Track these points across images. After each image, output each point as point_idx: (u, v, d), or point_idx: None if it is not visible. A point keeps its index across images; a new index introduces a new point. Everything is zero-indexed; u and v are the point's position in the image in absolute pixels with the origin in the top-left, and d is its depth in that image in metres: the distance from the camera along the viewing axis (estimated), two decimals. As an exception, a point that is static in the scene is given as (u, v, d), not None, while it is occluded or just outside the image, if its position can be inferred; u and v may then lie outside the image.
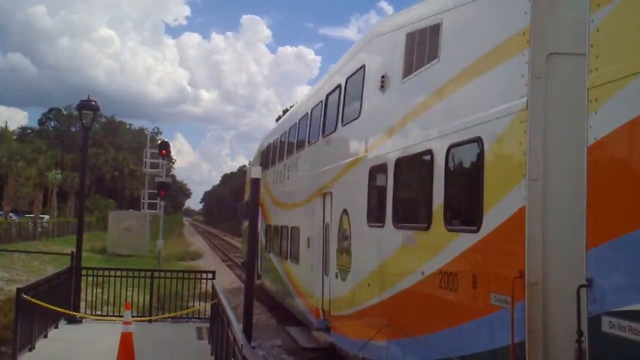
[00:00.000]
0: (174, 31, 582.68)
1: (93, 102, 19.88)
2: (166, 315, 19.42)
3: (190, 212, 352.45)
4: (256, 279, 24.72)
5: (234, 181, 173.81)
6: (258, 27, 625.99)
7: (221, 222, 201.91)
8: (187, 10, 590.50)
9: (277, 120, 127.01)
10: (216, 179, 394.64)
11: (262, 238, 29.11)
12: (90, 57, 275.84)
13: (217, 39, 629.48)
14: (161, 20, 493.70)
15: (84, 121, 19.91)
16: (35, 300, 14.79)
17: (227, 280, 41.16)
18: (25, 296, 14.36)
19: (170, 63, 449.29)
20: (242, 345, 9.27)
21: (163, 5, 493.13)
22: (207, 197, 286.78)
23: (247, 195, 32.87)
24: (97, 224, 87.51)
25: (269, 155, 29.32)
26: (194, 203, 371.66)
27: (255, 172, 16.43)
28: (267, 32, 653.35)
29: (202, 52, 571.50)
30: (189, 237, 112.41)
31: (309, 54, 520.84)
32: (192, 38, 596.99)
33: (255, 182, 16.23)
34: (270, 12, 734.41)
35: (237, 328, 10.58)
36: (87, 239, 60.45)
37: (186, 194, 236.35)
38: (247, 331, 13.83)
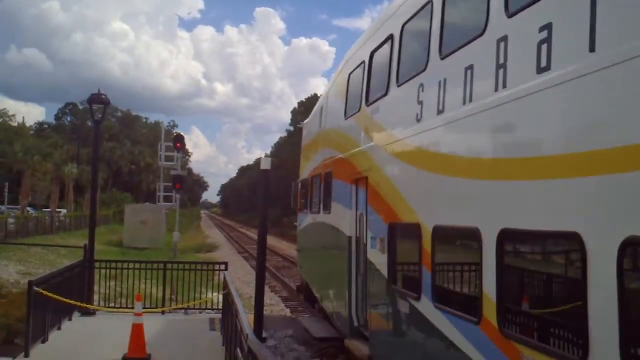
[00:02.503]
0: (188, 24, 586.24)
1: (103, 96, 19.98)
2: (179, 306, 19.53)
3: (207, 205, 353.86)
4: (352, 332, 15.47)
5: (250, 173, 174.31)
6: (271, 19, 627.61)
7: (238, 214, 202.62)
8: (200, 4, 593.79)
9: (296, 112, 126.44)
10: (233, 172, 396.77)
11: (370, 254, 13.83)
12: (104, 51, 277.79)
13: (231, 31, 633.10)
14: (175, 14, 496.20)
15: (98, 115, 20.01)
16: (47, 293, 14.91)
17: (241, 272, 41.33)
18: (37, 289, 14.47)
19: (184, 56, 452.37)
20: (247, 335, 9.31)
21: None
22: (224, 189, 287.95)
23: (306, 169, 22.98)
24: (114, 217, 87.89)
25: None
26: (211, 195, 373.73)
27: (265, 164, 16.26)
28: (280, 24, 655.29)
29: (216, 45, 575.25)
30: (205, 230, 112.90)
31: (323, 45, 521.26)
32: (206, 31, 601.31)
33: (266, 174, 16.07)
34: (283, 4, 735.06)
35: (244, 318, 10.62)
36: (104, 233, 61.05)
37: (203, 186, 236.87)
38: (258, 321, 13.87)
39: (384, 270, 12.31)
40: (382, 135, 12.80)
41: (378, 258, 12.78)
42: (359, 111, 14.63)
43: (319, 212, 19.64)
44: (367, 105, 13.88)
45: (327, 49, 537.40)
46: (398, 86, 11.89)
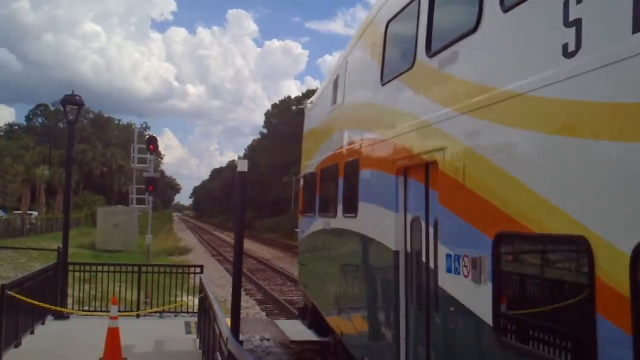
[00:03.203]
0: (160, 26, 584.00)
1: (77, 97, 19.76)
2: (154, 309, 19.36)
3: (179, 207, 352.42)
4: None
5: (222, 175, 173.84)
6: (244, 21, 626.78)
7: (211, 217, 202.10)
8: (173, 5, 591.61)
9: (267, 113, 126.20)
10: (205, 174, 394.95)
11: (445, 281, 8.78)
12: (76, 52, 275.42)
13: (204, 33, 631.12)
14: (147, 15, 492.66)
15: (70, 117, 19.77)
16: (20, 297, 14.69)
17: (215, 275, 41.16)
18: (10, 292, 14.25)
19: (156, 58, 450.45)
20: (227, 338, 9.21)
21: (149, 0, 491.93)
22: (197, 192, 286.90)
23: (311, 160, 18.40)
24: (86, 220, 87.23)
25: None
26: (183, 198, 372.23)
27: (242, 166, 16.06)
28: (253, 27, 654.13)
29: (188, 47, 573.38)
30: (178, 232, 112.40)
31: (296, 47, 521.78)
32: (179, 33, 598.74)
33: (243, 177, 15.90)
34: (256, 6, 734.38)
35: (223, 322, 10.52)
36: (76, 235, 60.45)
37: (175, 189, 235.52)
38: (235, 325, 13.77)
39: (482, 311, 7.56)
40: (474, 93, 7.98)
41: (466, 289, 7.99)
42: (411, 68, 10.27)
43: (334, 216, 14.70)
44: (431, 56, 9.47)
45: (300, 51, 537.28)
46: (505, 11, 7.41)
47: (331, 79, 16.71)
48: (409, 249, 10.27)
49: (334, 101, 15.84)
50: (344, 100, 14.79)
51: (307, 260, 18.81)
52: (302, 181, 20.09)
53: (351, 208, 13.28)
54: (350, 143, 13.84)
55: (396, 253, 10.45)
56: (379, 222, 11.33)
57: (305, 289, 19.09)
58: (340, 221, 14.32)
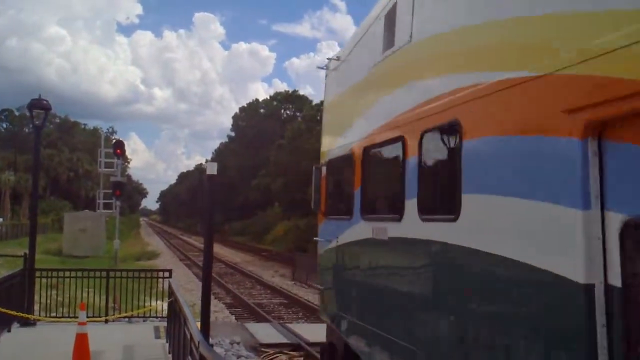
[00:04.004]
0: (126, 30, 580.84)
1: (45, 101, 19.55)
2: (122, 315, 19.21)
3: (146, 212, 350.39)
4: None
5: (190, 179, 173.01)
6: (211, 24, 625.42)
7: (178, 221, 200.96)
8: (139, 9, 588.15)
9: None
10: (172, 178, 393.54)
11: None
12: (40, 56, 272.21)
13: (170, 37, 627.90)
14: (113, 19, 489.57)
15: (35, 121, 19.55)
16: (-14, 304, 14.50)
17: (184, 279, 40.96)
18: (-24, 299, 14.07)
19: (122, 62, 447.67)
20: (199, 342, 9.16)
21: (114, 3, 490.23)
22: (164, 196, 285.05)
23: (342, 137, 13.13)
24: (53, 225, 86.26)
25: None
26: (150, 203, 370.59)
27: (211, 169, 15.92)
28: (220, 30, 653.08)
29: (154, 50, 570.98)
30: (146, 237, 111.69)
31: (263, 50, 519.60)
32: (145, 36, 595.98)
33: (212, 180, 15.80)
34: (222, 10, 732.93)
35: (194, 325, 10.46)
36: (43, 241, 59.69)
37: (142, 193, 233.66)
38: (205, 329, 13.73)
39: None
40: None
41: None
42: None
43: (398, 218, 9.53)
44: None
45: (267, 54, 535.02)
46: None
47: (378, 16, 11.55)
48: (615, 282, 5.32)
49: (389, 44, 10.99)
50: (413, 37, 9.77)
51: (339, 283, 13.09)
52: (324, 170, 14.14)
53: (443, 205, 8.65)
54: (437, 98, 8.57)
55: (587, 290, 5.49)
56: (531, 229, 6.41)
57: (334, 324, 13.20)
58: (412, 227, 9.17)
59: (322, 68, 14.95)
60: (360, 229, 11.51)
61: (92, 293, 21.08)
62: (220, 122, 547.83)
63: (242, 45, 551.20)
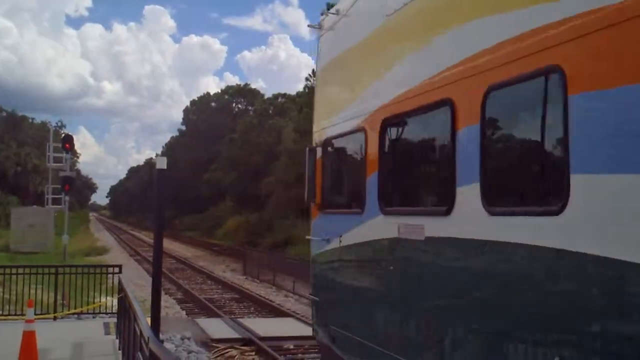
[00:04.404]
0: (75, 22, 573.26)
1: (-11, 95, 19.23)
2: (71, 311, 19.01)
3: (96, 207, 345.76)
4: None
5: (140, 174, 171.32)
6: (162, 17, 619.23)
7: (128, 217, 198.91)
8: (88, 1, 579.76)
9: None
10: (122, 173, 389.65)
11: None
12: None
13: (120, 29, 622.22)
14: (61, 11, 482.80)
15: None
16: None
17: (134, 275, 40.66)
18: None
19: (71, 55, 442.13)
20: (148, 338, 9.12)
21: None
22: (113, 191, 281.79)
23: (351, 107, 10.09)
24: (0, 221, 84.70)
25: None
26: (100, 198, 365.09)
27: (161, 163, 15.77)
28: (171, 22, 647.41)
29: (104, 43, 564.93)
30: (95, 233, 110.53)
31: (214, 43, 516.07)
32: (94, 29, 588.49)
33: (161, 174, 15.66)
34: (173, 2, 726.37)
35: (144, 321, 10.40)
36: (-12, 237, 58.75)
37: (92, 188, 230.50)
38: (155, 324, 13.66)
39: None
40: None
41: None
42: None
43: (446, 213, 7.20)
44: None
45: (218, 47, 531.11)
46: None
47: None
48: None
49: None
50: None
51: (345, 295, 10.24)
52: (319, 152, 11.17)
53: (532, 191, 6.33)
54: (519, 38, 6.06)
55: None
56: None
57: (336, 346, 10.29)
58: (469, 223, 6.71)
59: (313, 27, 12.33)
60: (377, 226, 8.83)
61: (41, 290, 20.81)
62: (171, 116, 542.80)
63: (193, 39, 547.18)
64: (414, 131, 8.60)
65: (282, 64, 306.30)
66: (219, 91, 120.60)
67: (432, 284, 7.50)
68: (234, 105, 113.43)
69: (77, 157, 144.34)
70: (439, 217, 7.24)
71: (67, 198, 47.51)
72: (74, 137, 46.31)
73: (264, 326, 20.75)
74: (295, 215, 55.87)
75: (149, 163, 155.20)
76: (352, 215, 9.79)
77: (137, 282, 36.15)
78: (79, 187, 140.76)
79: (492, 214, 6.23)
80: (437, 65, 7.47)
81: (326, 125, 11.16)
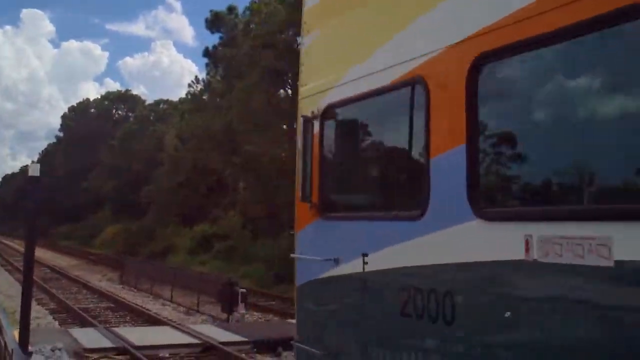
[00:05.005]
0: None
1: None
2: None
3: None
4: None
5: (14, 182, 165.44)
6: (40, 21, 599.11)
7: (1, 225, 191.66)
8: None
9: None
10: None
11: None
12: None
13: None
14: None
15: None
16: None
17: (5, 285, 39.52)
18: None
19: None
20: (12, 350, 8.96)
21: None
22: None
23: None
24: None
25: None
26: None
27: (33, 170, 15.41)
28: (50, 27, 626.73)
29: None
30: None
31: (95, 49, 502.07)
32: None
33: (35, 182, 15.29)
34: (52, 7, 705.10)
35: (9, 333, 10.19)
36: None
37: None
38: (24, 336, 13.34)
39: None
40: None
41: None
42: None
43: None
44: None
45: (99, 52, 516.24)
46: None
47: None
48: None
49: None
50: None
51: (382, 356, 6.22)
52: (317, 126, 7.32)
53: None
54: None
55: None
56: None
57: None
58: None
59: None
60: (463, 240, 5.17)
61: None
62: (48, 123, 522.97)
63: (73, 44, 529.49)
64: (528, 80, 5.07)
65: (165, 70, 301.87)
66: (99, 97, 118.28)
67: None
68: (114, 111, 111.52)
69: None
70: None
71: None
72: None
73: (139, 335, 20.45)
74: (177, 223, 55.41)
75: (24, 171, 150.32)
76: (393, 222, 6.18)
77: (7, 293, 35.09)
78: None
79: None
80: None
81: (328, 84, 7.29)
